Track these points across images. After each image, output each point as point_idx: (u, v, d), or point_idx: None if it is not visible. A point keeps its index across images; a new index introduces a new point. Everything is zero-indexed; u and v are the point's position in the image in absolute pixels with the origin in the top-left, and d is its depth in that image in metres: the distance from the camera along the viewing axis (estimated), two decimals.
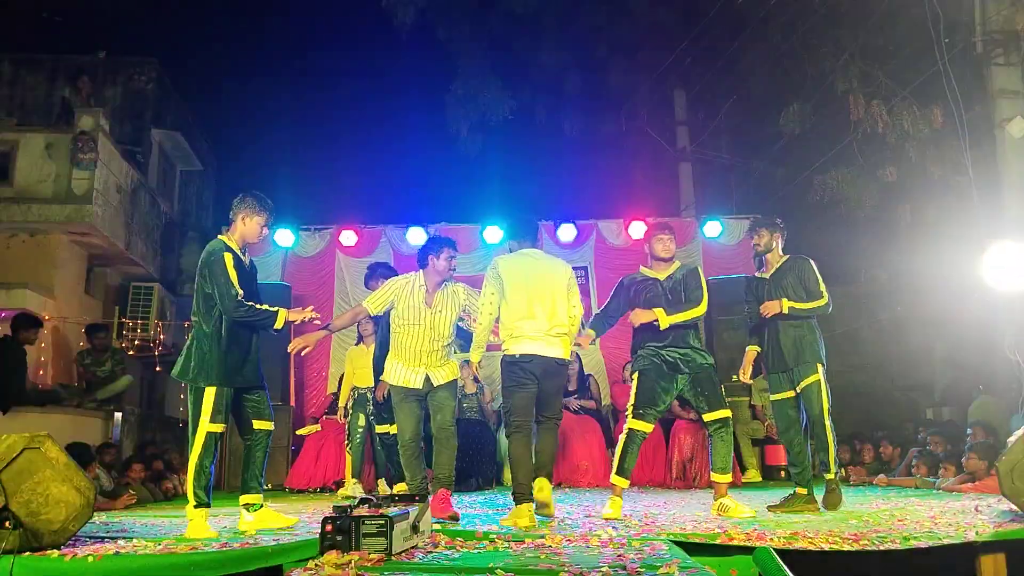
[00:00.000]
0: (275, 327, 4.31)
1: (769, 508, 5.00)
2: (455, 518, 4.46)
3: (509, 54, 14.03)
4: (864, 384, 9.88)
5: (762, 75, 11.84)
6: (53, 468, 3.54)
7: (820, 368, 4.98)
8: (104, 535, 3.97)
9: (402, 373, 4.86)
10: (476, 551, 3.25)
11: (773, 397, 5.22)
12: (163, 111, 12.39)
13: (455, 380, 5.00)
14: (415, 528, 3.29)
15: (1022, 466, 3.89)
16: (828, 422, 4.94)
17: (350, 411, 7.16)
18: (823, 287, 5.07)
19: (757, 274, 5.33)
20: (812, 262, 5.17)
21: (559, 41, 13.88)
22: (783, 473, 8.15)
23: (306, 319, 4.43)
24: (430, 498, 4.31)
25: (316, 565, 2.93)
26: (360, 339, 7.26)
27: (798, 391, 5.04)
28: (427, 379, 4.83)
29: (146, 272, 10.91)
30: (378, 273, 6.16)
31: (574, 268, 9.52)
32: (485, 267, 9.25)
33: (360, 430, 7.02)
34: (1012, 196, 7.09)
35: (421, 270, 4.92)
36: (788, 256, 5.27)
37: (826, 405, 4.95)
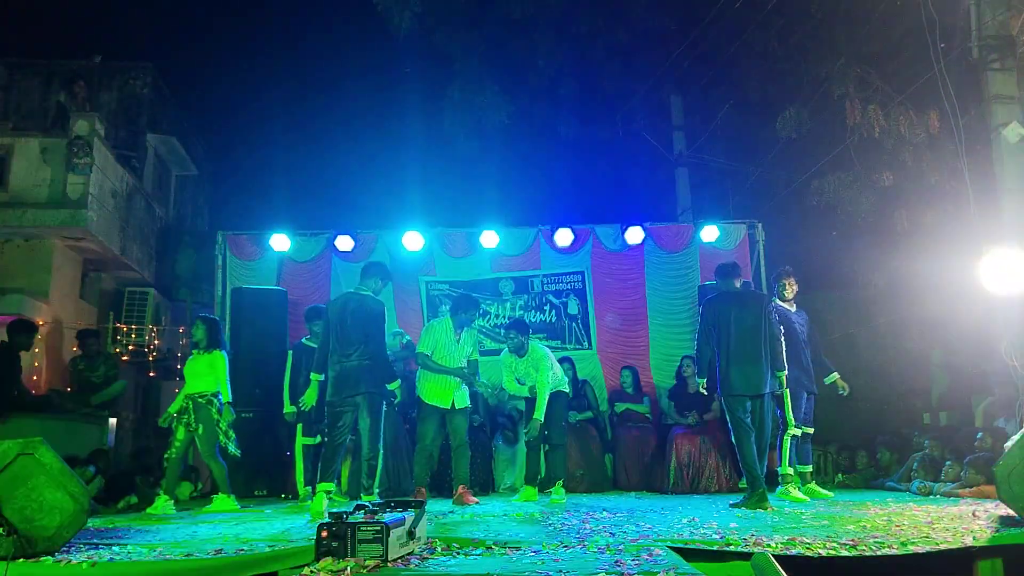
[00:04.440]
0: None
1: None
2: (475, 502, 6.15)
3: (506, 59, 14.02)
4: (861, 389, 9.82)
5: (758, 80, 11.84)
6: (47, 474, 3.52)
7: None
8: (99, 541, 3.95)
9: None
10: (473, 558, 3.23)
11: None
12: (159, 116, 12.37)
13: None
14: (411, 534, 3.27)
15: (1019, 471, 3.89)
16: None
17: None
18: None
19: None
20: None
21: (556, 46, 13.87)
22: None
23: None
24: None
25: (312, 571, 2.91)
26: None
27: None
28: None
29: (141, 277, 10.88)
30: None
31: (571, 273, 9.54)
32: (481, 272, 9.38)
33: None
34: (1008, 201, 7.09)
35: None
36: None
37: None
